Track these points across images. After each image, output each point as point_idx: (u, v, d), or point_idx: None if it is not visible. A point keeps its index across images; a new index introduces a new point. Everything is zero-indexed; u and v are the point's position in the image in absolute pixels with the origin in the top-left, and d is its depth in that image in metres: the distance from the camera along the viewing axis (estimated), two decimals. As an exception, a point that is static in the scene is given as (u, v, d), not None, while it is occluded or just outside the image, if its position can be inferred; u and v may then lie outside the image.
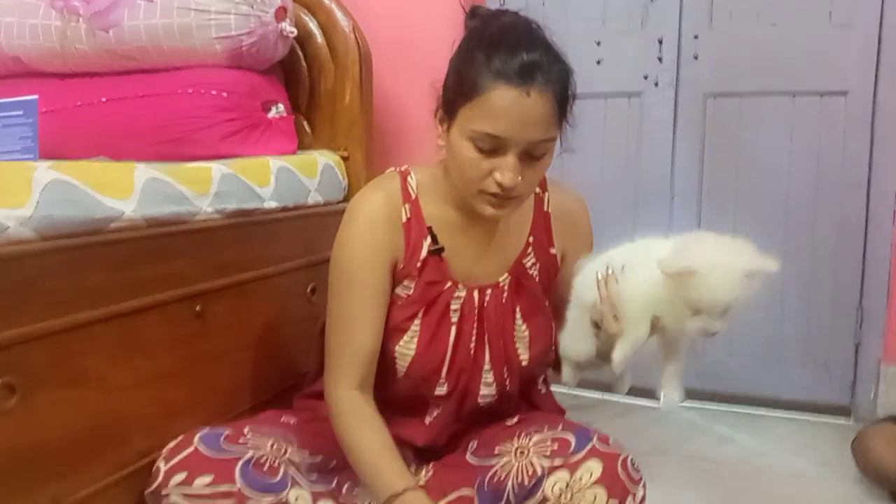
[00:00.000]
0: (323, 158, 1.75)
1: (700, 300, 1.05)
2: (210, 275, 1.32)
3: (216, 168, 1.35)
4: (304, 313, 1.59)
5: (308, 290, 1.61)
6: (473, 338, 1.25)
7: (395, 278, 1.23)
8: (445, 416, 1.28)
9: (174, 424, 1.21)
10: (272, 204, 1.48)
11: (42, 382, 1.01)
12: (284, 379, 1.55)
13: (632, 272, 1.14)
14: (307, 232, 1.60)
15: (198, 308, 1.29)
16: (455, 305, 1.24)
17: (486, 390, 1.27)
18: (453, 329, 1.24)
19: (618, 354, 1.14)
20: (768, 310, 2.15)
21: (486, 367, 1.26)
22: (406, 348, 1.23)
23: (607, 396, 2.23)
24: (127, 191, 1.15)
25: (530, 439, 1.20)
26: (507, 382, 1.28)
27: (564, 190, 1.35)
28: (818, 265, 2.09)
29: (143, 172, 1.19)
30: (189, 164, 1.33)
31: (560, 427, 1.21)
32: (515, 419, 1.32)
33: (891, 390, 2.00)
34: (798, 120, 2.07)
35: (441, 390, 1.25)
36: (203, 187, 1.30)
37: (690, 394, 2.23)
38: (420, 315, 1.23)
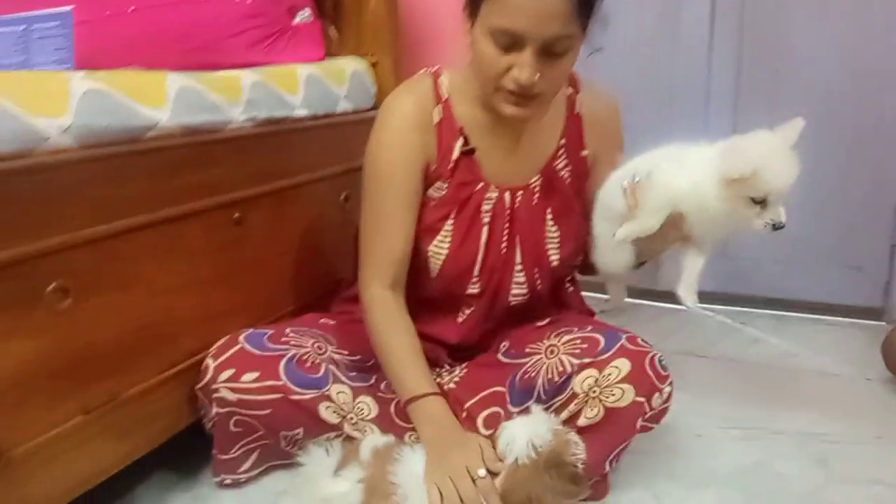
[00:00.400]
0: (351, 65, 1.73)
1: (770, 191, 1.08)
2: (246, 183, 1.34)
3: (245, 76, 1.35)
4: (338, 220, 1.62)
5: (342, 198, 1.63)
6: (505, 238, 1.27)
7: (428, 180, 1.25)
8: (478, 314, 1.32)
9: (219, 326, 1.27)
10: (302, 112, 1.48)
11: (93, 286, 1.05)
12: (322, 284, 1.59)
13: (658, 172, 1.13)
14: (338, 140, 1.61)
15: (236, 216, 1.32)
16: (486, 206, 1.26)
17: (518, 290, 1.30)
18: (485, 230, 1.26)
19: (620, 231, 1.14)
20: (802, 211, 2.12)
21: (518, 267, 1.29)
22: (439, 248, 1.25)
23: (638, 301, 2.25)
24: (160, 100, 1.16)
25: (560, 339, 1.24)
26: (538, 282, 1.30)
27: (598, 91, 1.34)
28: (856, 163, 2.04)
29: (174, 81, 1.19)
30: (218, 72, 1.33)
31: (589, 328, 1.24)
32: (546, 321, 1.36)
33: (925, 291, 1.99)
34: (838, 11, 1.98)
35: (473, 289, 1.28)
36: (234, 95, 1.30)
37: (721, 297, 2.24)
38: (452, 216, 1.25)
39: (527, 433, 1.06)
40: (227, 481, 1.27)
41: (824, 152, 2.07)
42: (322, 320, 1.39)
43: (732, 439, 1.47)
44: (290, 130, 1.46)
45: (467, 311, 1.32)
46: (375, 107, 1.77)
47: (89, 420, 1.06)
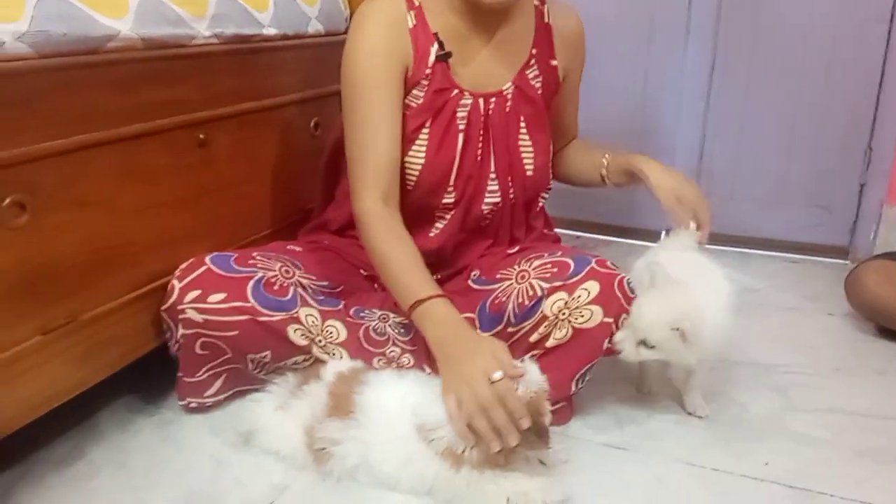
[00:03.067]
0: (323, -15, 1.67)
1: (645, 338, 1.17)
2: (211, 103, 1.30)
3: (211, -11, 1.30)
4: (308, 148, 1.58)
5: (311, 124, 1.59)
6: (480, 145, 1.28)
7: (406, 86, 1.24)
8: (451, 227, 1.32)
9: (183, 250, 1.25)
10: (271, 31, 1.43)
11: (51, 202, 1.02)
12: (289, 213, 1.57)
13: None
14: (309, 63, 1.56)
15: (201, 136, 1.28)
16: (462, 113, 1.26)
17: (491, 198, 1.30)
18: (461, 136, 1.26)
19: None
20: (776, 152, 2.14)
21: (492, 175, 1.29)
22: (415, 157, 1.25)
23: (612, 238, 2.26)
24: (122, 9, 1.11)
25: (531, 264, 1.24)
26: (511, 191, 1.31)
27: (563, 4, 1.36)
28: (831, 105, 2.05)
29: (136, -9, 1.14)
30: (183, -16, 1.27)
31: (559, 253, 1.25)
32: (516, 248, 1.36)
33: (891, 232, 2.02)
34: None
35: (449, 199, 1.28)
36: (199, 9, 1.25)
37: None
38: (428, 124, 1.24)
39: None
40: (193, 405, 1.26)
41: (800, 93, 2.07)
42: (289, 246, 1.38)
43: (694, 369, 1.50)
44: (258, 50, 1.41)
45: (440, 225, 1.32)
46: (347, 31, 1.72)
47: (48, 340, 1.03)
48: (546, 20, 1.33)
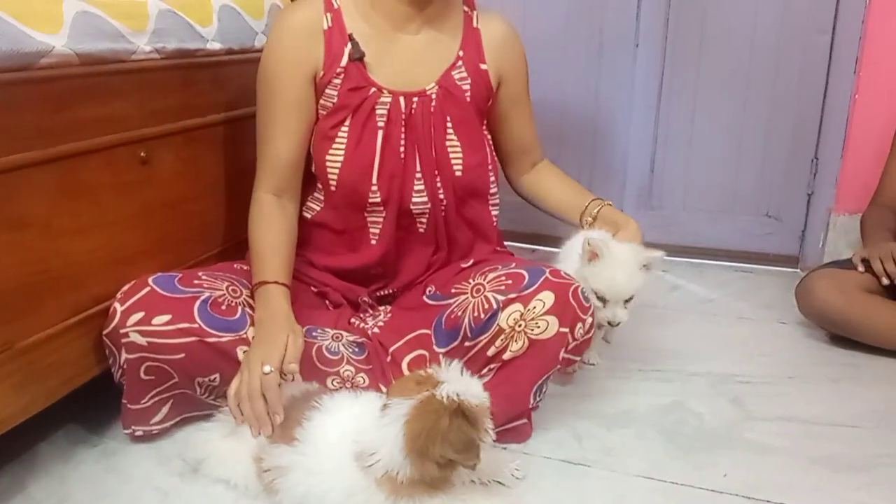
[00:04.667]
0: (270, -1, 1.64)
1: (604, 294, 1.29)
2: (153, 119, 1.26)
3: (152, 2, 1.25)
4: (255, 165, 1.54)
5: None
6: (402, 144, 1.28)
7: (317, 89, 1.27)
8: (387, 228, 1.31)
9: (127, 272, 1.20)
10: (216, 45, 1.39)
11: (-19, 225, 0.97)
12: (237, 231, 1.51)
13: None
14: (255, 78, 1.53)
15: (142, 154, 1.24)
16: (381, 110, 1.27)
17: (418, 197, 1.30)
18: (380, 133, 1.27)
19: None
20: (725, 163, 2.17)
21: (417, 174, 1.29)
22: (335, 154, 1.27)
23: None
24: (56, 24, 1.06)
25: (486, 277, 1.23)
26: (440, 191, 1.31)
27: (493, 12, 1.38)
28: (777, 115, 2.09)
29: (72, 5, 1.09)
30: (122, -2, 1.24)
31: (513, 265, 1.24)
32: (470, 262, 1.35)
33: (839, 239, 2.06)
34: (766, -37, 2.00)
35: (375, 198, 1.28)
36: (139, 23, 1.21)
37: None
38: (347, 121, 1.26)
39: (462, 382, 1.02)
40: (139, 433, 1.21)
41: (747, 104, 2.11)
42: (236, 265, 1.34)
43: (650, 380, 1.50)
44: (201, 65, 1.37)
45: (376, 231, 1.32)
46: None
47: (-19, 369, 0.98)
48: (475, 24, 1.34)
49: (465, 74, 1.32)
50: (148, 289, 1.14)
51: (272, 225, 1.25)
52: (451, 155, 1.30)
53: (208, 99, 1.40)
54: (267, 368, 1.05)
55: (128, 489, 1.12)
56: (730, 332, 1.75)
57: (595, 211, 1.42)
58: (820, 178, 2.09)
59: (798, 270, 2.14)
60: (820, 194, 2.10)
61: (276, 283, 1.18)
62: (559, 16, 2.16)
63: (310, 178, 1.33)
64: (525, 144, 1.47)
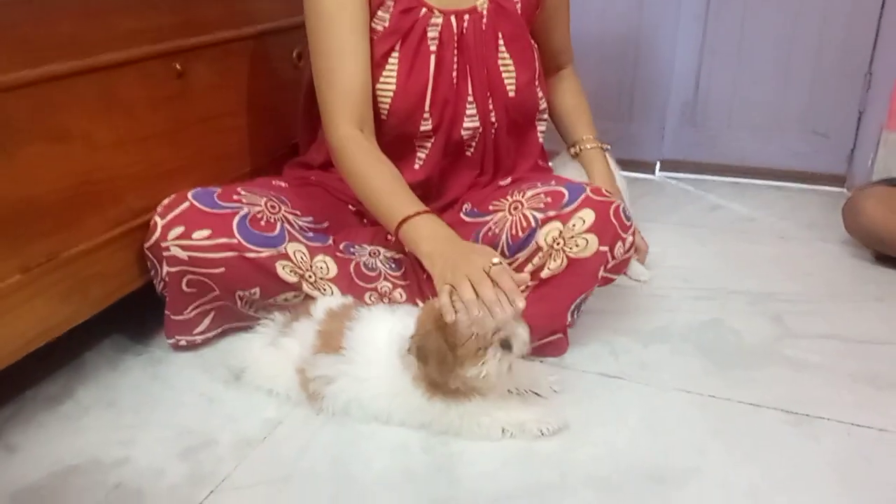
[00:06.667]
0: None
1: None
2: (187, 31, 1.24)
3: None
4: (291, 79, 1.52)
5: (294, 55, 1.53)
6: (455, 66, 1.23)
7: (371, 9, 1.20)
8: (433, 155, 1.28)
9: (165, 186, 1.21)
10: (249, -46, 1.36)
11: (25, 136, 0.98)
12: (274, 147, 1.52)
13: None
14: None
15: (177, 66, 1.23)
16: (433, 33, 1.21)
17: (469, 122, 1.26)
18: (433, 58, 1.22)
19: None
20: (773, 77, 2.09)
21: (469, 98, 1.25)
22: (386, 84, 1.21)
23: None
24: (86, -71, 1.04)
25: (524, 195, 1.21)
26: (493, 114, 1.27)
27: None
28: (829, 28, 1.99)
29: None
30: None
31: (553, 182, 1.21)
32: (509, 180, 1.33)
33: (889, 157, 1.98)
34: None
35: (426, 126, 1.24)
36: (170, -71, 1.18)
37: (687, 166, 2.23)
38: (398, 47, 1.20)
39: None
40: (182, 343, 1.24)
41: (798, 16, 2.01)
42: (275, 182, 1.34)
43: (688, 299, 1.48)
44: (235, -25, 1.34)
45: (422, 156, 1.29)
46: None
47: (28, 279, 1.00)
48: None
49: None
50: (188, 203, 1.14)
51: (381, 159, 1.18)
52: (505, 75, 1.26)
53: (242, 10, 1.38)
54: (496, 259, 1.02)
55: (172, 395, 1.16)
56: (771, 252, 1.72)
57: (581, 149, 1.43)
58: (873, 95, 2.00)
59: (844, 190, 2.08)
60: (871, 111, 2.02)
61: (426, 212, 1.13)
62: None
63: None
64: (557, 50, 1.42)
